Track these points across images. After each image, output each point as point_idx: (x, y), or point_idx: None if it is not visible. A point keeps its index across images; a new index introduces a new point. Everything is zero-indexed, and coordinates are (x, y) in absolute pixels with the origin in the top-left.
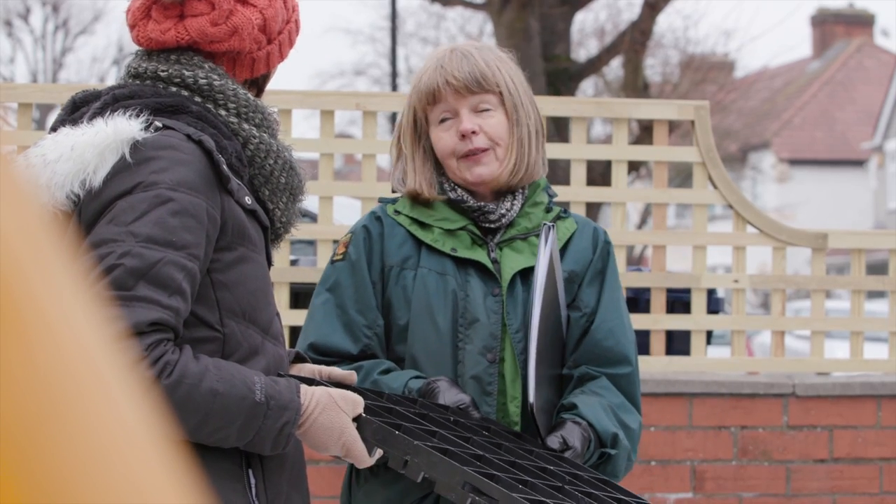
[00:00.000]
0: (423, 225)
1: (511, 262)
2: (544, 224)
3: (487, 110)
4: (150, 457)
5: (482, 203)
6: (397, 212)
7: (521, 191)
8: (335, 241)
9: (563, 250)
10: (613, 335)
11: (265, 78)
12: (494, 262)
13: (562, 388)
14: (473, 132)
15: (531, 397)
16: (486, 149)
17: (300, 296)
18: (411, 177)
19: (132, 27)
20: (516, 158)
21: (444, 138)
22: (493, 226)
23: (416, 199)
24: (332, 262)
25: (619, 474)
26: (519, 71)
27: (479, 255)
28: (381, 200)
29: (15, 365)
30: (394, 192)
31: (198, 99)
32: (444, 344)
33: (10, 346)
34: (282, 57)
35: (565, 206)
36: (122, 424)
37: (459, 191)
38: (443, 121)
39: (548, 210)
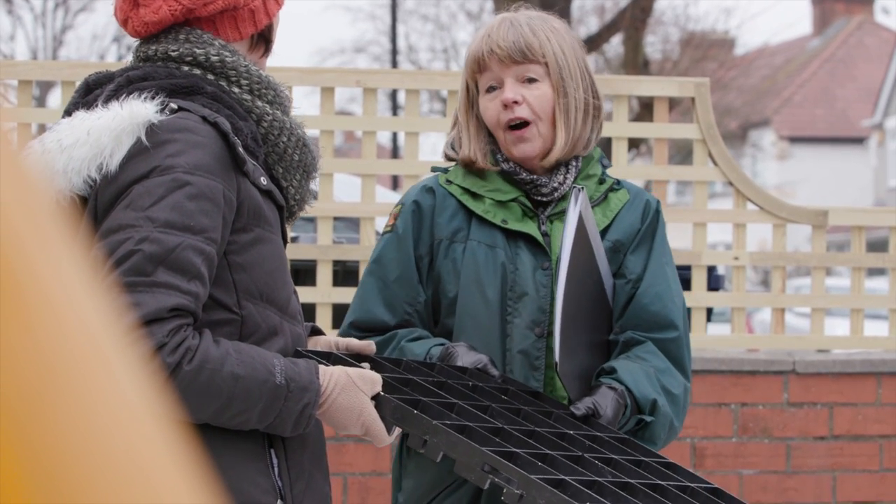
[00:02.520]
0: (474, 195)
1: (561, 236)
2: (573, 187)
3: (533, 81)
4: (152, 436)
5: (535, 176)
6: (449, 181)
7: (574, 163)
8: (335, 219)
9: (614, 220)
10: (660, 300)
11: (270, 29)
12: (545, 235)
13: (607, 355)
14: (515, 102)
15: (556, 357)
16: (528, 122)
17: (300, 273)
18: (466, 144)
19: (125, 22)
20: (565, 131)
21: (489, 108)
22: (545, 199)
23: (469, 167)
24: (382, 234)
25: (658, 441)
26: (573, 42)
27: (530, 228)
28: (434, 169)
29: (17, 345)
30: (446, 157)
31: (210, 77)
32: (493, 317)
33: (13, 327)
34: (278, 4)
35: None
36: (124, 404)
37: (511, 163)
38: (490, 89)
39: (601, 182)
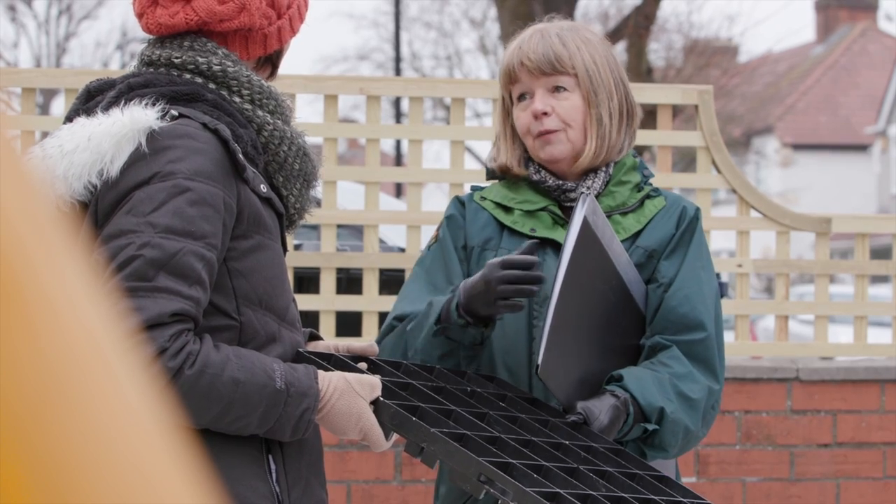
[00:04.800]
0: (505, 209)
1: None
2: (581, 193)
3: (563, 90)
4: (155, 441)
5: (562, 182)
6: (483, 198)
7: (604, 169)
8: (339, 226)
9: (647, 226)
10: (689, 301)
11: (279, 54)
12: None
13: (636, 360)
14: (545, 113)
15: (539, 360)
16: (556, 130)
17: (304, 280)
18: (503, 153)
19: (140, 16)
20: (596, 139)
21: (521, 117)
22: (574, 205)
23: (506, 173)
24: (428, 247)
25: (671, 449)
26: (606, 52)
27: (558, 235)
28: (473, 188)
29: (19, 351)
30: (487, 177)
31: (212, 86)
32: (520, 321)
33: (15, 332)
34: (293, 31)
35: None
36: (127, 409)
37: (543, 172)
38: (521, 98)
39: (639, 189)
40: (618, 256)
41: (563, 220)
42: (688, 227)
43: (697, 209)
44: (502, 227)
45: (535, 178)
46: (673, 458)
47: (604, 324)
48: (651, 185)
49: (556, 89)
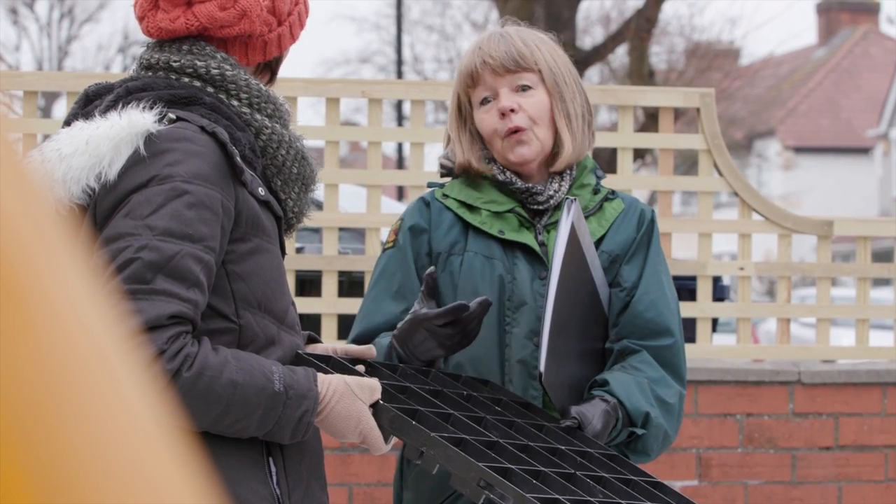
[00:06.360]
0: (471, 208)
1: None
2: (566, 198)
3: (528, 88)
4: (157, 444)
5: (530, 185)
6: (445, 195)
7: (568, 172)
8: (341, 229)
9: (609, 230)
10: (655, 307)
11: (278, 61)
12: (542, 244)
13: (602, 364)
14: (512, 110)
15: (541, 367)
16: (525, 129)
17: (306, 283)
18: (460, 154)
19: (141, 19)
20: (569, 135)
21: (485, 119)
22: (541, 207)
23: (467, 171)
24: (384, 249)
25: (652, 452)
26: (562, 52)
27: (527, 238)
28: (430, 185)
29: (21, 353)
30: (441, 174)
31: (210, 89)
32: (491, 328)
33: (17, 334)
34: (293, 38)
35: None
36: (128, 412)
37: (508, 173)
38: (484, 102)
39: (595, 192)
40: (592, 260)
41: (530, 223)
42: (646, 231)
43: (653, 212)
44: (467, 227)
45: (501, 178)
46: (650, 462)
47: (583, 328)
48: (604, 186)
49: (522, 88)
